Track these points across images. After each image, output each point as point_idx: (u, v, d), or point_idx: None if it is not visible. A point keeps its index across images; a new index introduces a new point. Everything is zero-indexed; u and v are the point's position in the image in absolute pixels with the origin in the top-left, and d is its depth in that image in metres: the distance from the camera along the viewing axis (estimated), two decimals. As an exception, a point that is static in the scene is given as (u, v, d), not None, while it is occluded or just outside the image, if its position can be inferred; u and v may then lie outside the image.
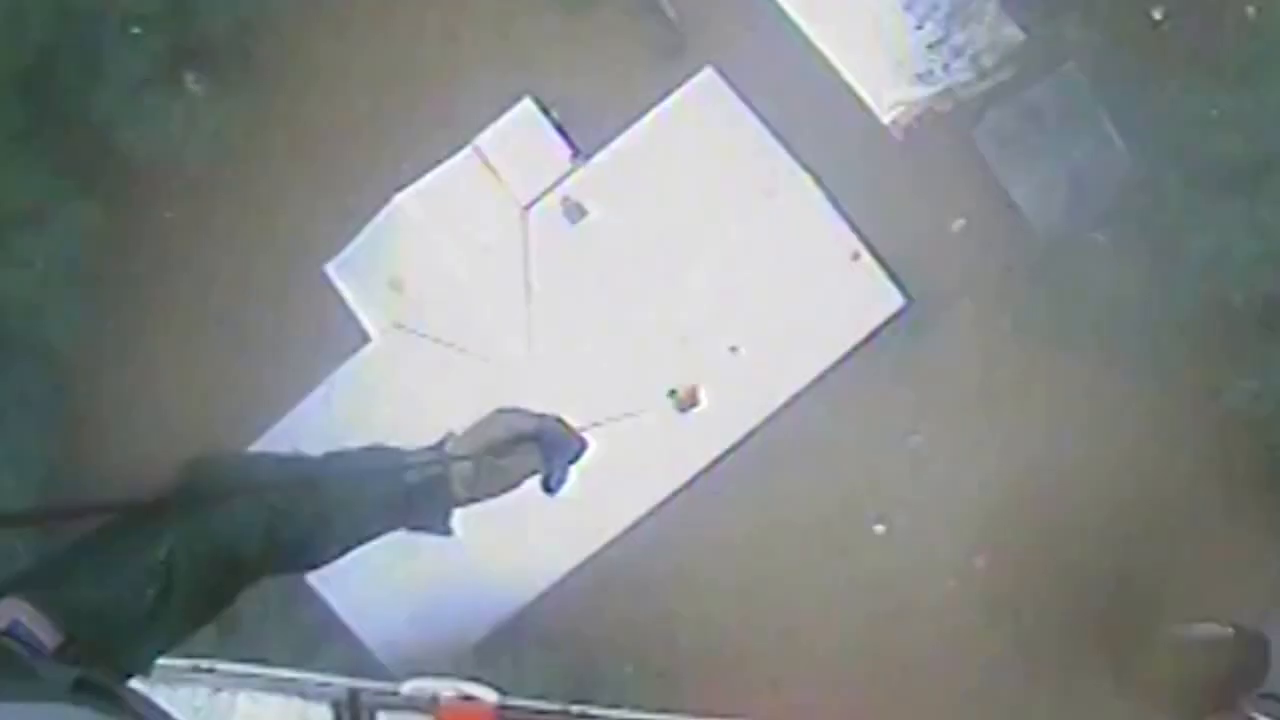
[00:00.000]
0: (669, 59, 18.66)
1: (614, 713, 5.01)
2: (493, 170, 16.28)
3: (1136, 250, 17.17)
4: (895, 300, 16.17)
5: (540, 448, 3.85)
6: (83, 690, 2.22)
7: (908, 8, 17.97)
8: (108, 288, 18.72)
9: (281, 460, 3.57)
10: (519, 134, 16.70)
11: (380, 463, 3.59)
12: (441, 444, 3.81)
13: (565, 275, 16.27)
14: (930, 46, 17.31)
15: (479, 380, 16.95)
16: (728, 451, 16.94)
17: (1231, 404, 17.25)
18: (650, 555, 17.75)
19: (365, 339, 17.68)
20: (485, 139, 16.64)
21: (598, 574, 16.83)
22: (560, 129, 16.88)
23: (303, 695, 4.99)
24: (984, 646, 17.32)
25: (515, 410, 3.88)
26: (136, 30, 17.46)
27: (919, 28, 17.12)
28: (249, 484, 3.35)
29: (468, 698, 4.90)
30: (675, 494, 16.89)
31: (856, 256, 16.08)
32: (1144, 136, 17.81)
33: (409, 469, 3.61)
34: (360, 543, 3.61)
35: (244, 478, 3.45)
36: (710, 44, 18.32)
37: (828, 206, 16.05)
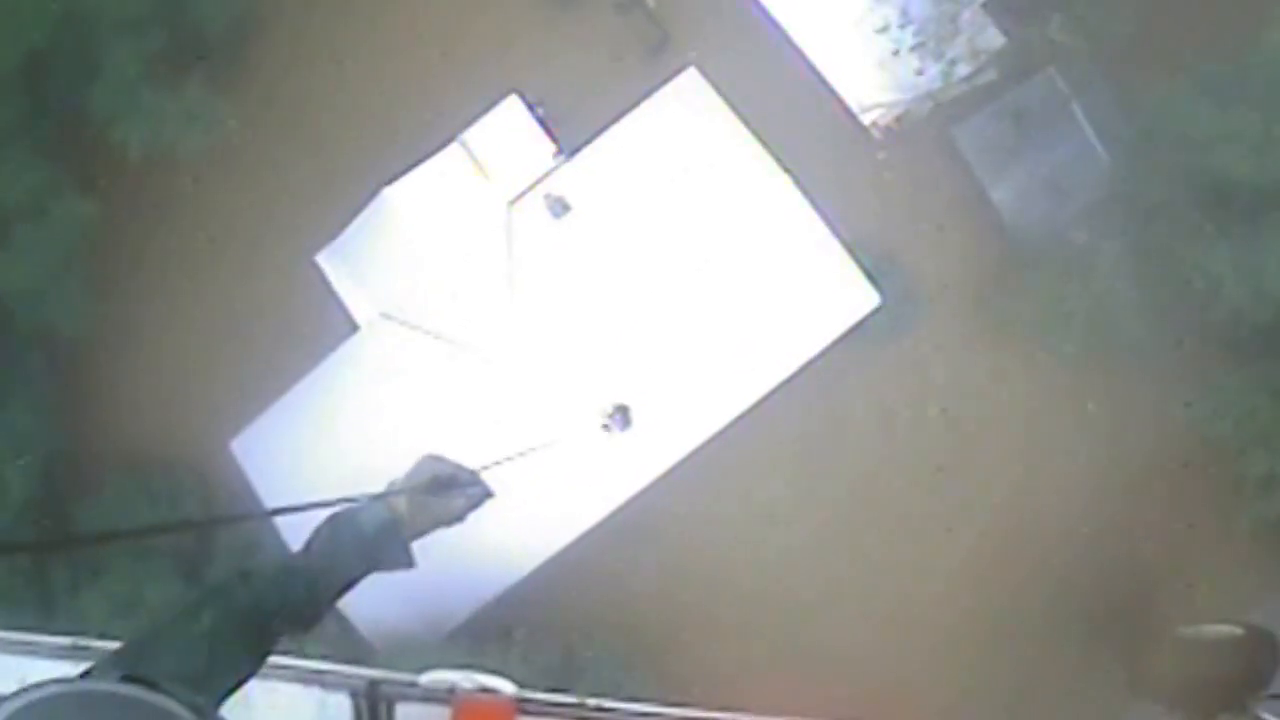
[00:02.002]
0: (653, 56, 18.82)
1: (629, 705, 4.97)
2: (479, 165, 16.51)
3: (1113, 253, 17.23)
4: (872, 298, 16.39)
5: (456, 491, 4.29)
6: (128, 681, 2.68)
7: (890, 11, 18.07)
8: (106, 277, 18.97)
9: (269, 563, 4.04)
10: (505, 129, 16.91)
11: (342, 530, 4.04)
12: (387, 489, 4.25)
13: (548, 268, 16.50)
14: (911, 49, 17.46)
15: (463, 368, 17.12)
16: (708, 441, 17.09)
17: (1198, 414, 17.29)
18: (625, 544, 17.87)
19: (354, 327, 17.85)
20: (472, 134, 16.87)
21: (578, 562, 17.03)
22: (545, 125, 17.05)
23: (322, 685, 4.99)
24: (993, 647, 17.44)
25: (438, 458, 4.30)
26: (133, 29, 17.76)
27: (901, 30, 17.27)
28: (261, 577, 3.93)
29: (486, 689, 4.96)
30: (653, 484, 17.05)
31: (833, 255, 16.22)
32: (1123, 141, 17.85)
33: (364, 522, 4.08)
34: (344, 593, 4.10)
35: (239, 590, 3.96)
36: (693, 43, 18.55)
37: (806, 206, 16.25)
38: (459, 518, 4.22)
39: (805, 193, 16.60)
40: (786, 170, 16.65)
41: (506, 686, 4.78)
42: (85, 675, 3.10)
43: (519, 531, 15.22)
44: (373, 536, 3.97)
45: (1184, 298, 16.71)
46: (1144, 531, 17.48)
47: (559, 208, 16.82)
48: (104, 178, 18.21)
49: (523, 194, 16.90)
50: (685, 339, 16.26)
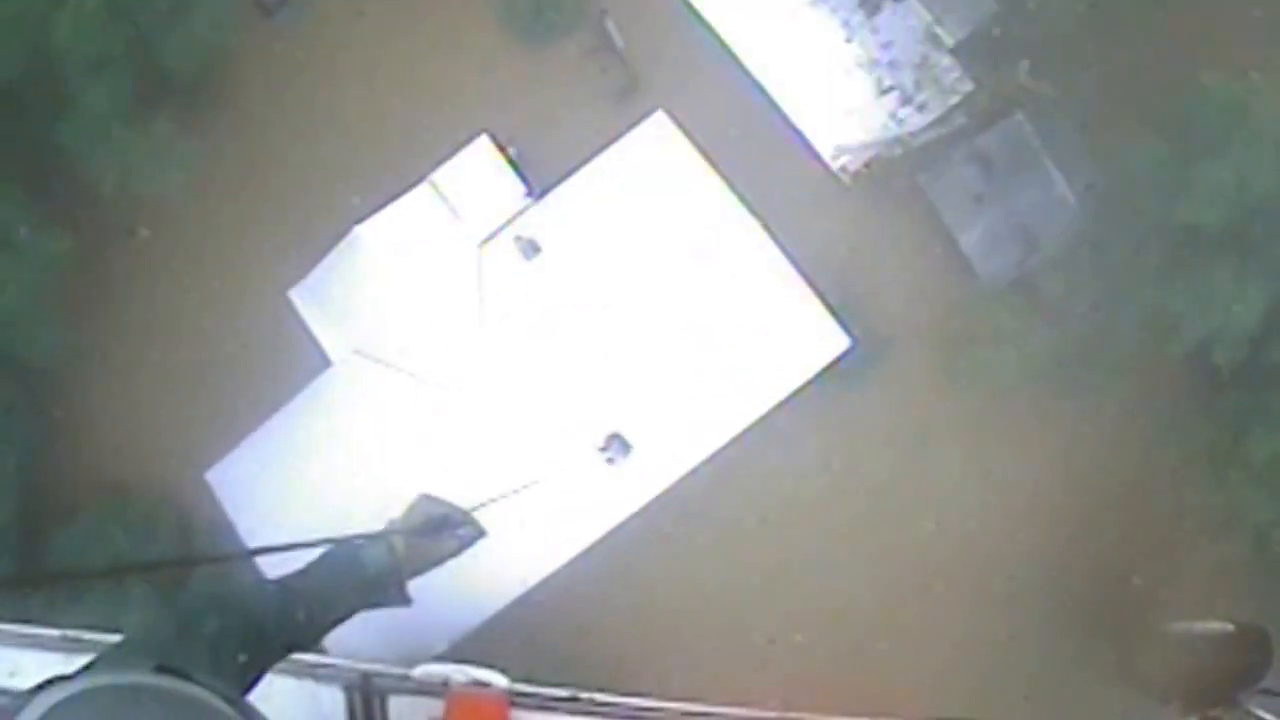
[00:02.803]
0: (623, 98, 18.88)
1: (622, 699, 4.95)
2: (449, 205, 16.58)
3: (1080, 299, 17.31)
4: (841, 341, 16.47)
5: (448, 532, 4.40)
6: (161, 671, 2.72)
7: (859, 54, 18.13)
8: (79, 310, 19.03)
9: (272, 583, 4.11)
10: (475, 170, 17.02)
11: (342, 564, 4.14)
12: (386, 529, 4.34)
13: (519, 309, 16.58)
14: (881, 94, 17.52)
15: (432, 406, 17.17)
16: (677, 482, 17.17)
17: (1168, 458, 17.37)
18: (597, 581, 17.87)
19: (327, 362, 17.94)
20: (442, 174, 16.96)
21: (563, 591, 17.04)
22: (515, 165, 17.12)
23: (315, 678, 4.96)
24: (986, 642, 17.58)
25: (432, 498, 4.39)
26: (105, 66, 17.81)
27: (870, 75, 17.32)
28: (252, 610, 3.97)
29: (479, 683, 4.97)
30: (630, 519, 17.13)
31: (803, 300, 16.26)
32: (1092, 187, 17.93)
33: (365, 561, 4.18)
34: (339, 624, 4.19)
35: (263, 586, 4.09)
36: (663, 85, 18.61)
37: (775, 250, 16.34)
38: (453, 556, 4.32)
39: (774, 236, 16.68)
40: (755, 214, 16.72)
41: (499, 680, 4.80)
42: (91, 667, 3.11)
43: (493, 568, 15.32)
44: (373, 576, 4.09)
45: (1147, 340, 16.86)
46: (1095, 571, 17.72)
47: (530, 249, 16.88)
48: (77, 212, 18.24)
49: (494, 235, 16.98)
50: (654, 382, 16.34)
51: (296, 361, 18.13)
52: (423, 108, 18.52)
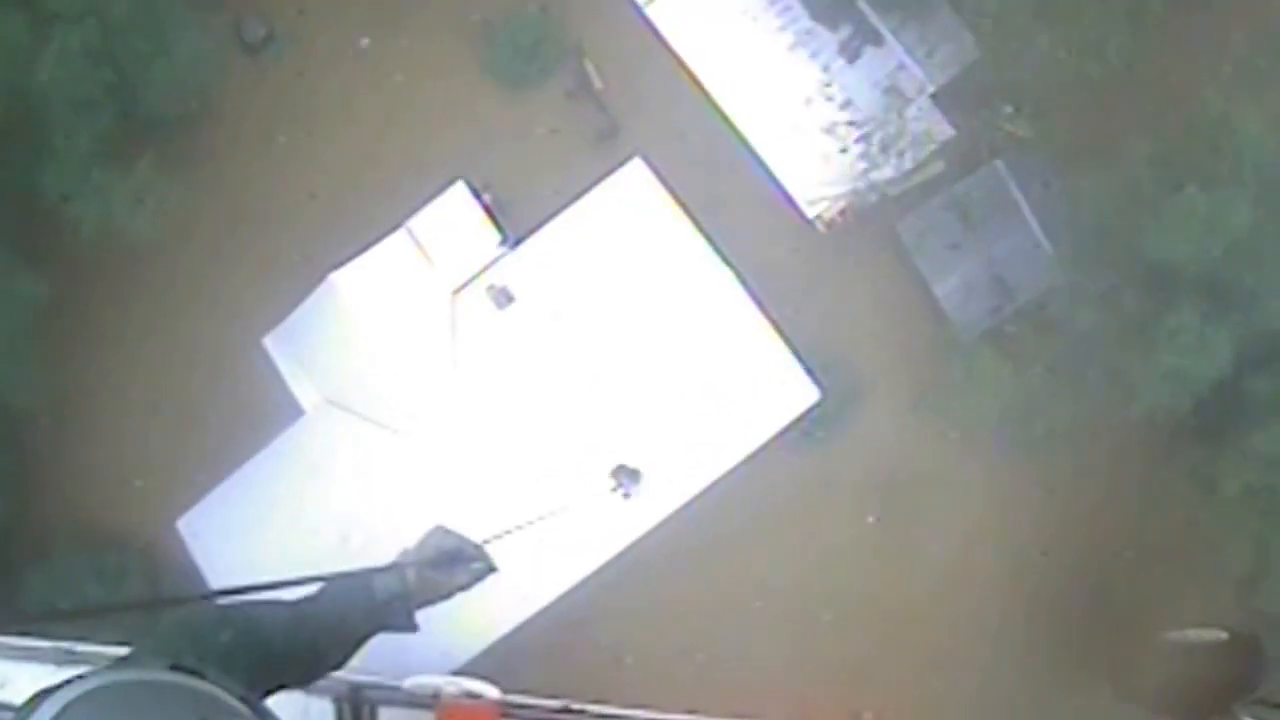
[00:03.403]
0: (602, 142, 18.86)
1: (613, 710, 4.90)
2: (424, 253, 16.57)
3: (1054, 349, 17.20)
4: (811, 394, 16.40)
5: (460, 566, 4.35)
6: (176, 670, 2.70)
7: (838, 99, 18.08)
8: (57, 354, 19.08)
9: (283, 604, 4.06)
10: (451, 216, 16.99)
11: (353, 591, 4.13)
12: (399, 558, 4.31)
13: (491, 360, 16.54)
14: (858, 140, 17.46)
15: (404, 459, 17.14)
16: (647, 533, 17.09)
17: (1146, 502, 17.23)
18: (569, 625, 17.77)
19: (300, 411, 17.89)
20: (418, 221, 16.92)
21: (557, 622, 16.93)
22: (491, 212, 17.11)
23: (305, 690, 4.89)
24: (982, 652, 17.48)
25: (446, 530, 4.36)
26: (86, 109, 17.86)
27: (848, 121, 17.28)
28: (273, 615, 3.94)
29: (470, 694, 4.91)
30: (609, 563, 17.05)
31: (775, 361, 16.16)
32: (1068, 236, 17.83)
33: (375, 588, 4.15)
34: (352, 651, 4.15)
35: (271, 611, 4.00)
36: (642, 130, 18.58)
37: (748, 302, 16.28)
38: (462, 590, 4.30)
39: (748, 286, 16.63)
40: (729, 264, 16.68)
41: (490, 691, 4.76)
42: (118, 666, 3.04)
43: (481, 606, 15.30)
44: (382, 603, 4.08)
45: (1116, 389, 16.84)
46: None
47: (503, 299, 16.86)
48: (55, 256, 18.29)
49: (467, 283, 16.96)
50: (625, 434, 16.29)
51: (270, 409, 18.16)
52: (401, 150, 18.55)
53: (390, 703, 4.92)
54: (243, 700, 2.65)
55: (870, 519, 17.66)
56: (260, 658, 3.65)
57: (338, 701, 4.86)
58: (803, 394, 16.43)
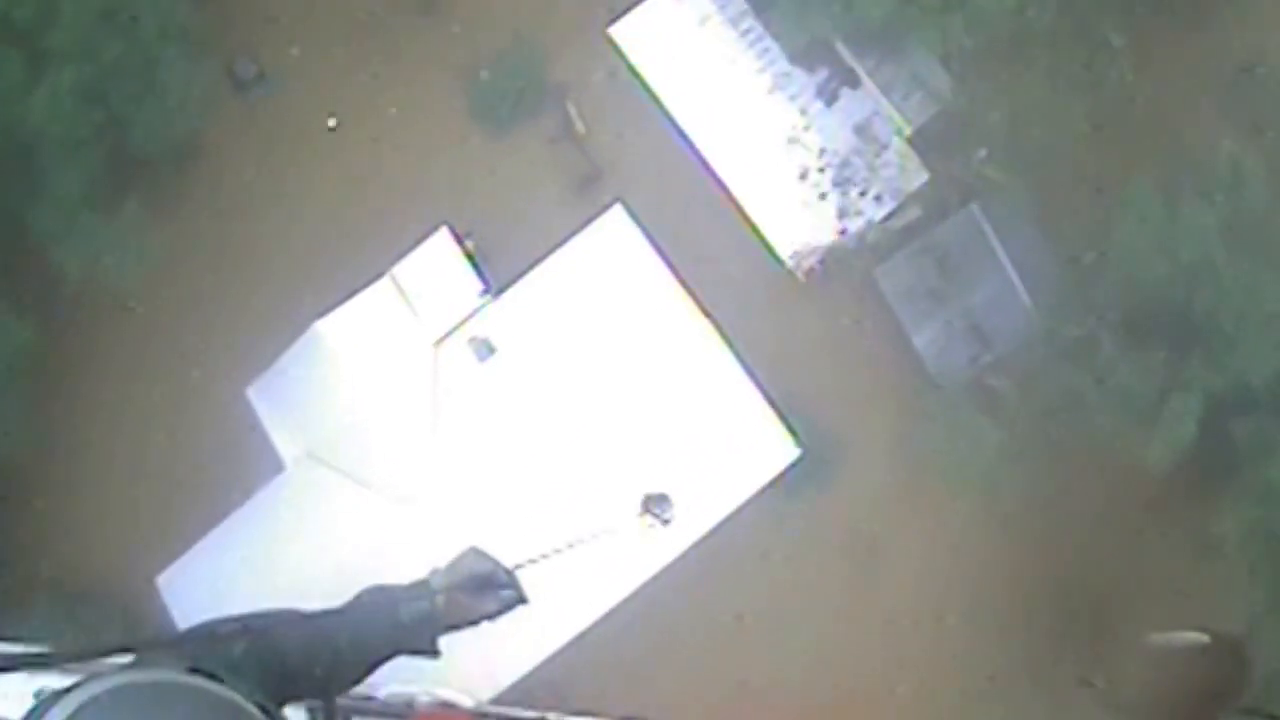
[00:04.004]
0: (584, 187, 19.01)
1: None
2: (407, 301, 16.70)
3: (1033, 400, 17.40)
4: (790, 452, 16.55)
5: (491, 592, 4.18)
6: (194, 673, 2.66)
7: (817, 143, 18.27)
8: (39, 403, 19.08)
9: (305, 616, 3.97)
10: (435, 264, 17.08)
11: (381, 604, 4.00)
12: (428, 578, 4.16)
13: (472, 413, 16.65)
14: (837, 185, 17.67)
15: (384, 515, 17.23)
16: (625, 600, 17.08)
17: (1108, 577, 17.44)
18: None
19: (281, 465, 17.92)
20: (402, 269, 17.03)
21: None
22: (474, 259, 17.24)
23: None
24: (967, 663, 17.59)
25: (480, 553, 4.19)
26: (76, 149, 17.88)
27: (827, 165, 17.46)
28: (292, 624, 3.88)
29: (445, 704, 4.89)
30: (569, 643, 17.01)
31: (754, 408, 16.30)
32: (1045, 283, 18.02)
33: (402, 607, 4.00)
34: (370, 671, 4.04)
35: (290, 619, 3.94)
36: (624, 174, 18.73)
37: (728, 357, 16.46)
38: (490, 619, 4.17)
39: (727, 339, 16.79)
40: (707, 314, 16.84)
41: (465, 700, 4.75)
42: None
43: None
44: (408, 625, 3.96)
45: (1096, 441, 17.03)
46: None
47: (484, 350, 16.97)
48: (41, 302, 18.30)
49: (448, 334, 17.03)
50: (605, 490, 16.43)
51: (251, 462, 18.01)
52: (388, 194, 18.58)
53: (364, 712, 4.91)
54: (261, 708, 2.61)
55: (848, 572, 17.81)
56: (275, 670, 3.58)
57: (311, 711, 4.71)
58: (783, 452, 16.59)
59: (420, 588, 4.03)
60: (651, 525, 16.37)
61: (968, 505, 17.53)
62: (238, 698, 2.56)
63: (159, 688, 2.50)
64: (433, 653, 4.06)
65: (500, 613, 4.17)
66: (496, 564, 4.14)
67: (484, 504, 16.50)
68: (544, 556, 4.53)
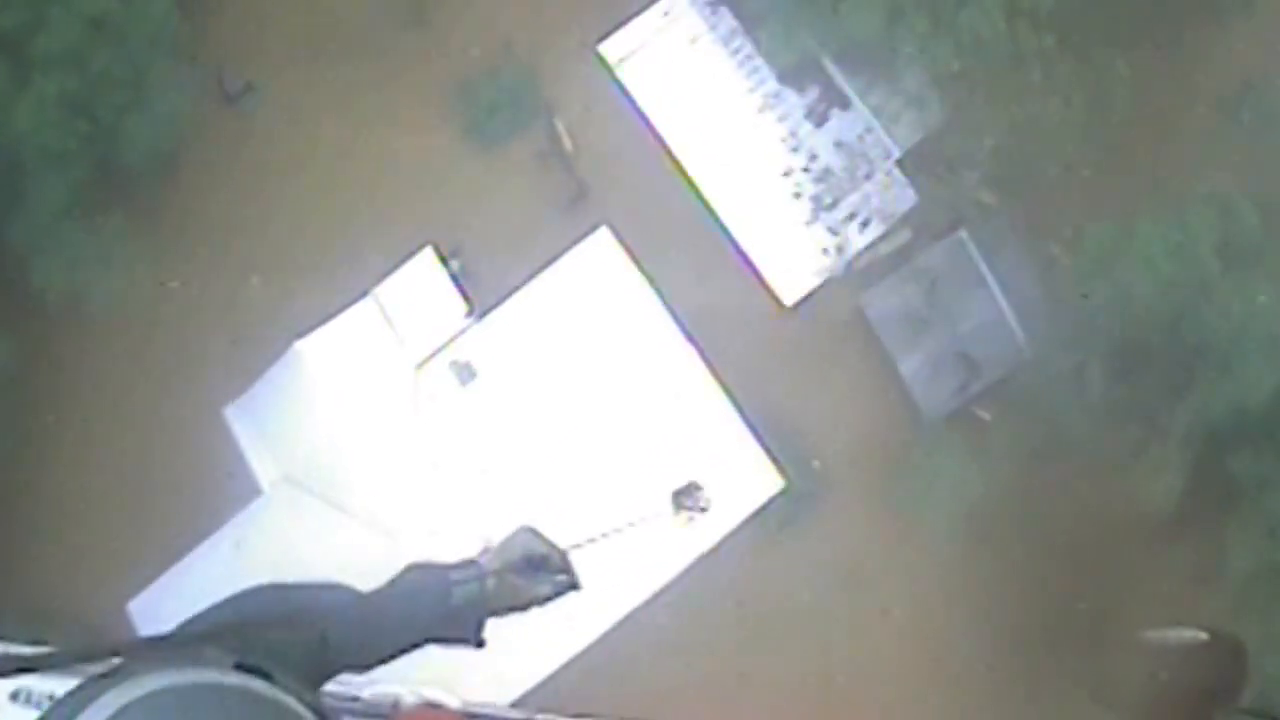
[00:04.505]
0: (571, 206, 18.86)
1: None
2: (390, 323, 16.57)
3: (1020, 430, 17.29)
4: (775, 483, 16.43)
5: (544, 575, 3.95)
6: (240, 668, 2.45)
7: (804, 165, 18.15)
8: (16, 419, 18.85)
9: (349, 594, 3.78)
10: (418, 285, 16.93)
11: (430, 584, 3.77)
12: (478, 557, 3.93)
13: (453, 438, 16.49)
14: (824, 209, 17.53)
15: (362, 541, 17.10)
16: (612, 628, 16.97)
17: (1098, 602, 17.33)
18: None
19: (258, 490, 17.67)
20: (385, 289, 16.90)
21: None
22: (458, 280, 17.10)
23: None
24: (960, 660, 17.44)
25: (535, 533, 3.97)
26: (60, 161, 17.67)
27: (814, 188, 17.34)
28: (333, 602, 3.64)
29: (431, 704, 4.74)
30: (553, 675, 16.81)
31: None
32: (1035, 309, 17.87)
33: (453, 589, 3.76)
34: (403, 653, 3.79)
35: (330, 598, 3.73)
36: (610, 194, 18.57)
37: (713, 384, 16.32)
38: (541, 604, 3.92)
39: (711, 365, 16.64)
40: (692, 340, 16.70)
41: (452, 701, 4.64)
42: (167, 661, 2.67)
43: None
44: (456, 608, 3.71)
45: (1085, 474, 16.95)
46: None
47: (466, 374, 16.80)
48: (18, 320, 18.02)
49: (430, 357, 16.87)
50: (585, 518, 16.29)
51: (227, 486, 17.84)
52: (374, 212, 18.32)
53: (349, 713, 4.70)
54: (313, 709, 2.43)
55: (836, 600, 17.66)
56: (316, 652, 3.40)
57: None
58: (767, 482, 16.46)
59: (470, 568, 3.77)
60: (691, 517, 16.18)
61: (953, 531, 17.38)
62: (288, 699, 2.39)
63: (200, 690, 2.30)
64: (477, 643, 3.82)
65: (553, 597, 3.92)
66: (551, 545, 3.90)
67: (463, 528, 16.39)
68: (589, 542, 4.32)
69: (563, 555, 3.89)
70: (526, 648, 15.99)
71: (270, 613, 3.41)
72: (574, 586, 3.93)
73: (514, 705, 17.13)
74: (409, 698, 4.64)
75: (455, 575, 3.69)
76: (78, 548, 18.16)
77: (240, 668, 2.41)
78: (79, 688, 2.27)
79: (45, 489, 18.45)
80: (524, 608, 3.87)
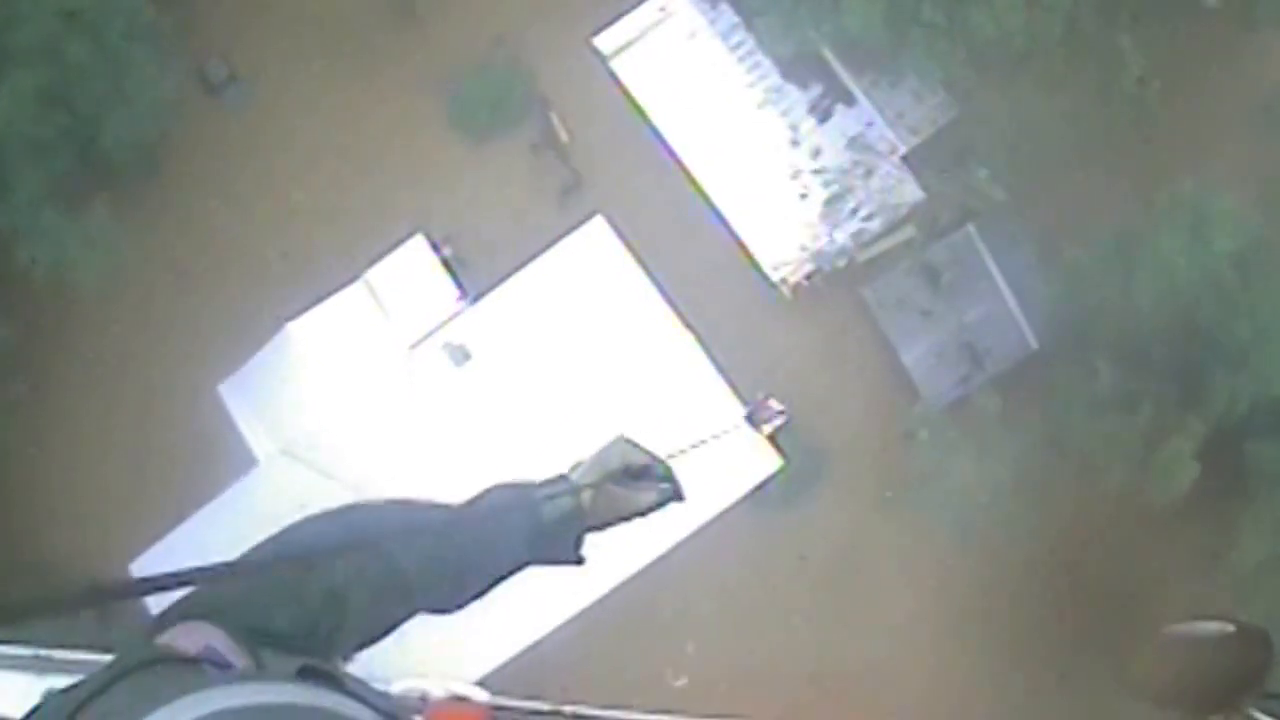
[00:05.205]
0: (565, 197, 18.60)
1: (607, 713, 4.53)
2: (381, 306, 16.21)
3: (1022, 422, 16.90)
4: (772, 462, 16.09)
5: (649, 485, 3.66)
6: (306, 676, 2.16)
7: (806, 160, 17.80)
8: (8, 396, 18.72)
9: (431, 505, 3.43)
10: (409, 270, 16.64)
11: (517, 502, 3.47)
12: (569, 473, 3.59)
13: (446, 417, 16.20)
14: (827, 203, 17.16)
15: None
16: (599, 600, 16.64)
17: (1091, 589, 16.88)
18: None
19: (253, 460, 17.60)
20: (376, 274, 16.58)
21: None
22: (449, 266, 16.80)
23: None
24: (986, 649, 17.10)
25: (632, 443, 3.70)
26: (44, 150, 17.53)
27: (816, 182, 16.97)
28: (405, 526, 3.30)
29: (458, 697, 4.48)
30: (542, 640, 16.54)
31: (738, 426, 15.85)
32: (1042, 303, 17.52)
33: (544, 505, 3.45)
34: (497, 581, 3.49)
35: (400, 520, 3.40)
36: (606, 185, 18.29)
37: (709, 368, 15.96)
38: (646, 513, 3.62)
39: (709, 352, 16.33)
40: (690, 328, 16.38)
41: (480, 694, 4.35)
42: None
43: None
44: (549, 526, 3.39)
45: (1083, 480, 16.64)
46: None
47: (459, 355, 16.55)
48: (8, 299, 17.91)
49: (423, 339, 16.66)
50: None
51: (223, 458, 17.82)
52: (363, 199, 18.23)
53: (377, 709, 4.55)
54: (385, 715, 2.20)
55: (828, 583, 17.37)
56: (392, 590, 3.03)
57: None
58: (764, 462, 16.14)
59: (559, 483, 3.46)
60: (776, 426, 15.74)
61: (951, 519, 17.05)
62: (365, 713, 2.14)
63: (269, 713, 1.96)
64: (576, 560, 3.49)
65: (657, 506, 3.62)
66: (652, 455, 3.63)
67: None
68: (671, 457, 3.91)
69: (665, 464, 3.64)
70: (501, 623, 15.76)
71: (332, 544, 3.06)
72: (678, 496, 3.65)
73: (482, 682, 16.79)
74: (436, 692, 4.45)
75: (543, 491, 3.39)
76: (78, 516, 18.19)
77: (304, 673, 2.15)
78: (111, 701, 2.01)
79: (44, 461, 18.39)
80: (627, 518, 3.58)
